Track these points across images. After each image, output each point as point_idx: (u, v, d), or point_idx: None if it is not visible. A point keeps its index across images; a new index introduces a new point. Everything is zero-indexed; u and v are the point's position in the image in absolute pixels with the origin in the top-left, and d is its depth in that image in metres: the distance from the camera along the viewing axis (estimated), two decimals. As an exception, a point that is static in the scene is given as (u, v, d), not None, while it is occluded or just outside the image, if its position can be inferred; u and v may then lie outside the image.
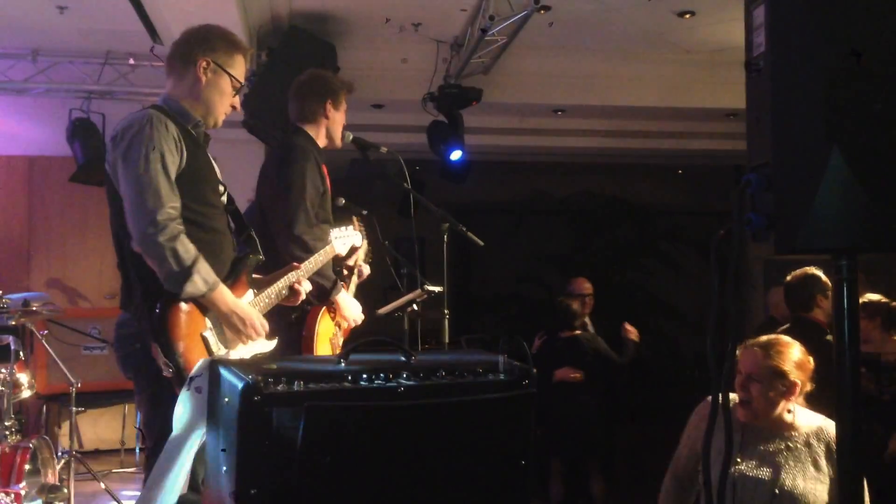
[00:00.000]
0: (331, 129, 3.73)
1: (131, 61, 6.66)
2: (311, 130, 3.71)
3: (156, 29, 5.62)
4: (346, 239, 3.62)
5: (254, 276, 2.94)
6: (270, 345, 2.89)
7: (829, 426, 2.77)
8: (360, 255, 3.81)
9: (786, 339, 2.91)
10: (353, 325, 3.63)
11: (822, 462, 2.76)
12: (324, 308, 3.53)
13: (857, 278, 1.54)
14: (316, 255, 3.31)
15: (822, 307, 4.23)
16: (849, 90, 1.43)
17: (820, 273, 4.28)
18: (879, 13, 1.45)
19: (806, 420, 2.83)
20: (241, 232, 2.95)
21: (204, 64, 2.78)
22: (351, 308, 3.61)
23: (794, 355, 2.83)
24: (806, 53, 1.46)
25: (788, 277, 4.43)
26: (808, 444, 2.79)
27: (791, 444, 2.79)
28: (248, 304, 2.78)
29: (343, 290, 3.60)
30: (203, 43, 2.81)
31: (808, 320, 4.20)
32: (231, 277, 2.76)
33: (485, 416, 1.85)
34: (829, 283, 4.12)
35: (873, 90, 1.43)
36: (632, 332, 5.76)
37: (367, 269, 3.93)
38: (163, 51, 6.27)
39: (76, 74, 6.78)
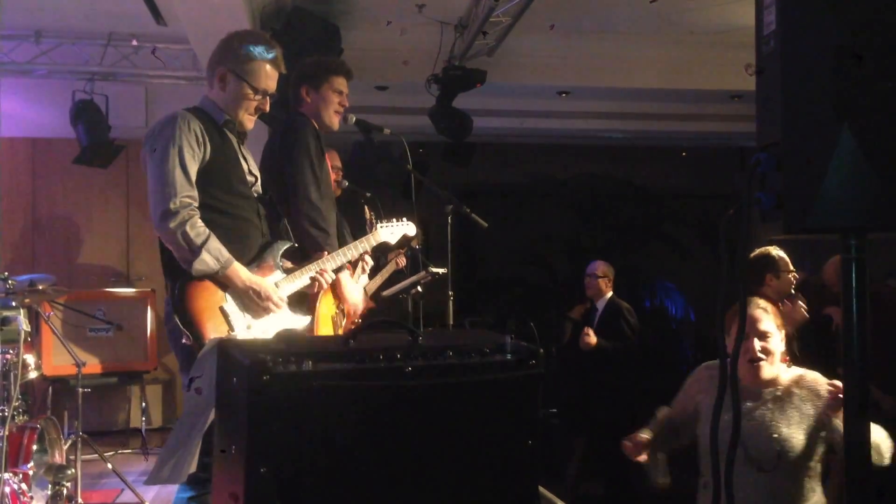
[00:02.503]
0: (314, 111, 3.68)
1: (134, 42, 6.65)
2: (303, 112, 3.71)
3: (159, 10, 5.60)
4: (396, 228, 3.76)
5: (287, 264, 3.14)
6: (304, 320, 3.09)
7: (806, 374, 2.98)
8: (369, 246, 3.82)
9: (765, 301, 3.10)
10: (351, 310, 3.61)
11: (806, 406, 2.92)
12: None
13: (866, 258, 1.54)
14: (356, 243, 3.45)
15: (771, 286, 4.34)
16: (859, 69, 1.42)
17: (777, 253, 4.39)
18: (891, -9, 1.45)
19: (784, 372, 3.00)
20: (277, 220, 3.21)
21: (222, 73, 3.03)
22: (352, 292, 3.61)
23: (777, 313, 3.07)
24: (817, 31, 1.46)
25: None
26: (790, 393, 2.95)
27: (779, 395, 2.95)
28: (265, 280, 2.97)
29: (347, 272, 3.61)
30: (223, 52, 3.06)
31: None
32: (256, 260, 3.00)
33: (492, 397, 1.86)
34: (783, 264, 4.36)
35: (884, 69, 1.43)
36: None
37: (370, 261, 3.96)
38: (167, 33, 6.27)
39: (79, 56, 6.78)
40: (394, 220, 3.79)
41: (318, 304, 3.51)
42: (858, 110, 1.44)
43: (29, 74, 6.90)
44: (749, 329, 2.94)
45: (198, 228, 2.79)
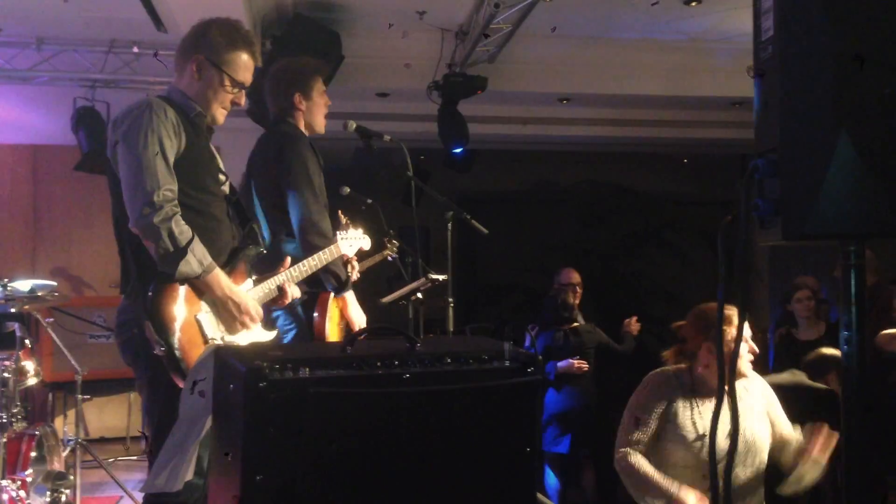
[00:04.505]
0: (307, 118, 3.65)
1: (135, 49, 6.65)
2: (292, 122, 3.65)
3: (160, 17, 5.61)
4: (354, 241, 3.68)
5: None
6: (269, 335, 2.90)
7: (754, 375, 3.20)
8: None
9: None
10: (353, 327, 3.58)
11: (760, 402, 3.13)
12: (333, 295, 3.55)
13: (865, 264, 1.53)
14: (319, 254, 3.32)
15: (830, 383, 4.19)
16: (858, 75, 1.42)
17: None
18: (889, -4, 1.44)
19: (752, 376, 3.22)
20: (244, 223, 2.98)
21: (199, 61, 2.81)
22: (355, 312, 3.59)
23: None
24: (814, 38, 1.45)
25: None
26: (746, 389, 3.13)
27: (740, 395, 3.08)
28: (246, 293, 2.81)
29: (352, 293, 3.60)
30: (200, 39, 2.84)
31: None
32: (229, 265, 2.80)
33: (490, 403, 1.85)
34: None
35: (883, 74, 1.42)
36: (634, 327, 5.77)
37: (356, 274, 3.94)
38: (168, 40, 6.28)
39: (80, 63, 6.78)
40: (351, 230, 3.70)
41: (328, 306, 3.51)
42: (857, 116, 1.43)
43: (30, 81, 6.90)
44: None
45: (182, 226, 2.58)
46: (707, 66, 7.32)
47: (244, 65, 2.87)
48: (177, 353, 2.52)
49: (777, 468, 3.09)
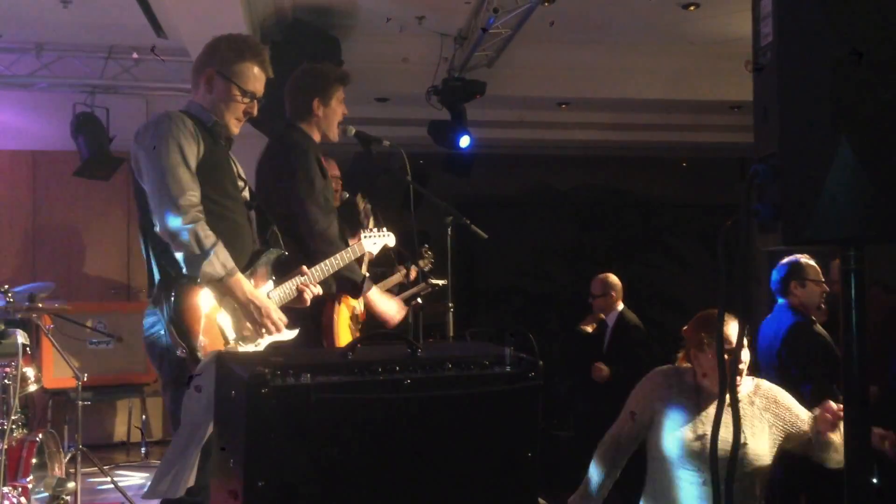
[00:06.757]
0: (322, 125, 3.66)
1: (135, 55, 6.67)
2: (304, 127, 3.65)
3: (159, 23, 5.62)
4: (378, 239, 3.72)
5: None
6: (291, 334, 2.96)
7: (761, 382, 3.11)
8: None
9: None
10: (390, 322, 3.64)
11: (767, 415, 3.03)
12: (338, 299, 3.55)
13: (865, 268, 1.54)
14: (342, 252, 3.36)
15: (795, 295, 4.18)
16: (857, 80, 1.42)
17: (805, 261, 4.21)
18: (888, 2, 1.45)
19: (743, 383, 3.09)
20: (265, 227, 3.07)
21: (209, 75, 2.94)
22: (385, 305, 3.63)
23: None
24: (814, 43, 1.46)
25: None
26: (751, 402, 3.04)
27: (742, 403, 3.02)
28: (267, 296, 2.89)
29: (375, 288, 3.63)
30: (211, 54, 2.98)
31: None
32: (249, 268, 2.89)
33: (491, 409, 1.85)
34: (812, 272, 4.16)
35: (881, 80, 1.43)
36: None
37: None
38: (167, 45, 6.29)
39: (80, 69, 6.79)
40: (375, 229, 3.75)
41: (335, 312, 3.51)
42: (856, 121, 1.44)
43: (30, 87, 6.92)
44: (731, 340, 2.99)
45: (206, 230, 2.68)
46: (705, 70, 7.34)
47: (254, 76, 2.97)
48: (199, 354, 2.58)
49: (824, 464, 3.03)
